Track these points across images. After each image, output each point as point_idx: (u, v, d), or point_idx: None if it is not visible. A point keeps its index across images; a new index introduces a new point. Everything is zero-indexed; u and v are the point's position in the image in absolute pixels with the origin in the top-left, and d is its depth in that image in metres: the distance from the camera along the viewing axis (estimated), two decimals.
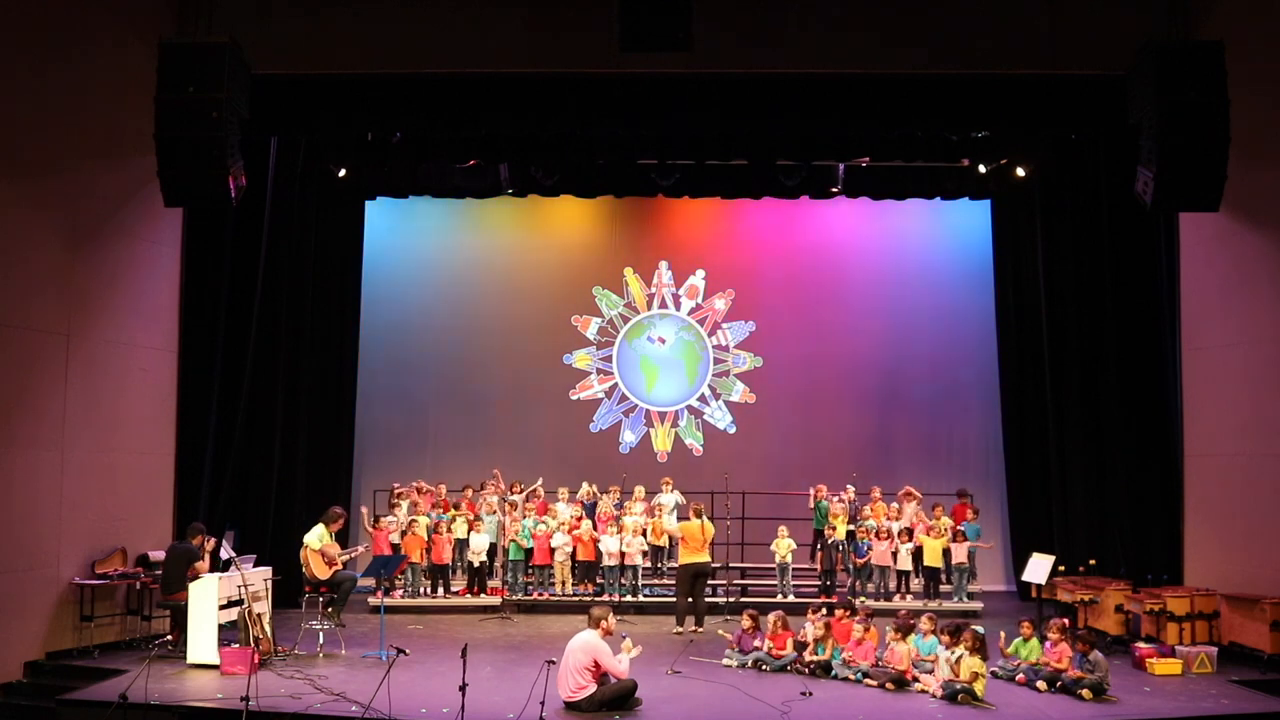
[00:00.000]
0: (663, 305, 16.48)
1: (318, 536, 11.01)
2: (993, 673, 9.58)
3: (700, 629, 11.93)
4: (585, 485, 14.34)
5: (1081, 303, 13.59)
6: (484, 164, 14.32)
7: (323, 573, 10.90)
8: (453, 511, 13.73)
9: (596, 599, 13.12)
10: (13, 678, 10.15)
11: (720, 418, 16.26)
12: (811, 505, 14.05)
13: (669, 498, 14.07)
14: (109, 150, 11.06)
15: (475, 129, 12.49)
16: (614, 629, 9.09)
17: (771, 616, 10.43)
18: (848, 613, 10.62)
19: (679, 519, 13.36)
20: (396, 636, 11.19)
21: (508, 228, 16.32)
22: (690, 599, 12.04)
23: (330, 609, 10.92)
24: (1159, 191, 10.24)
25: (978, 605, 13.26)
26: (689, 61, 10.94)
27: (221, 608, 10.16)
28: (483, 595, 13.55)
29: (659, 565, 13.99)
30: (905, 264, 16.23)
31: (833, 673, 9.88)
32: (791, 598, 13.28)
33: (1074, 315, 13.70)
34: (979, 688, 9.02)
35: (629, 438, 16.23)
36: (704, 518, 12.27)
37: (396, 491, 13.89)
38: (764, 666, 10.20)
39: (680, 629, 11.96)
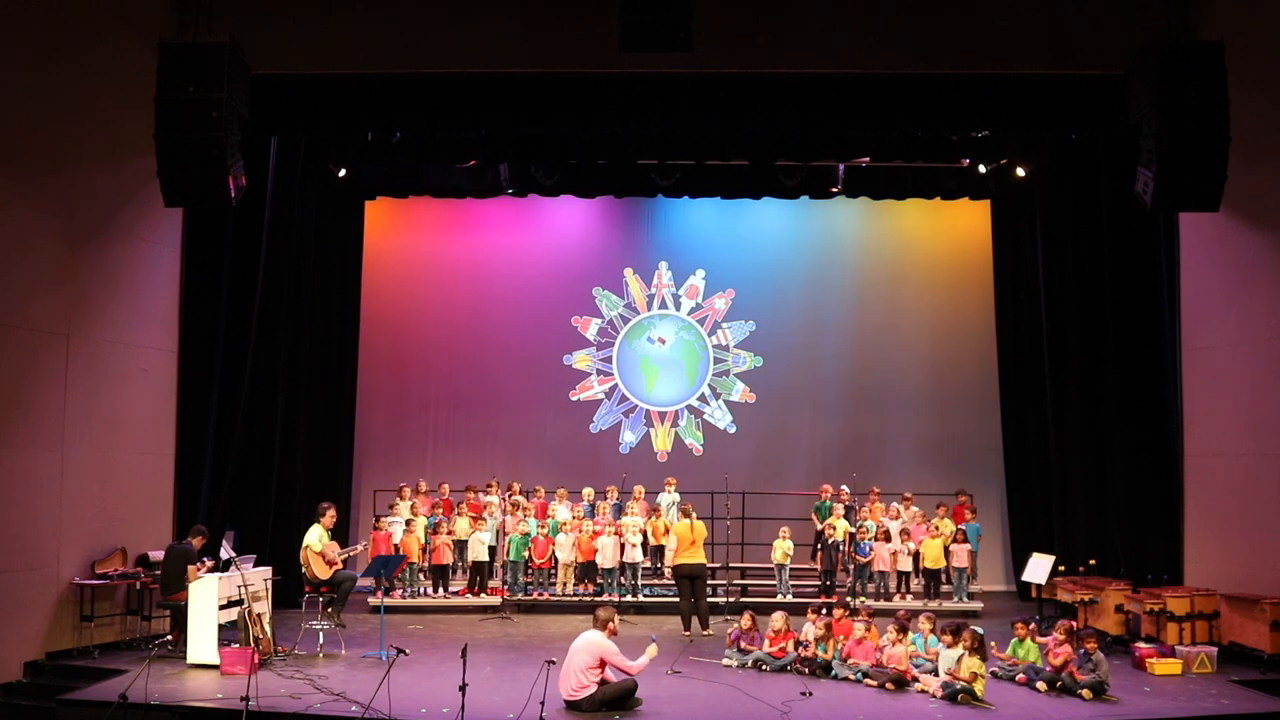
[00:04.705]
0: (663, 305, 16.48)
1: (317, 537, 11.01)
2: (993, 673, 9.59)
3: (708, 631, 11.91)
4: (588, 490, 14.33)
5: (1081, 303, 13.58)
6: (484, 164, 14.30)
7: (324, 573, 10.90)
8: (454, 514, 13.72)
9: (596, 599, 13.14)
10: (13, 678, 10.15)
11: (720, 417, 16.26)
12: (816, 505, 14.06)
13: (668, 498, 14.08)
14: (109, 150, 11.07)
15: (475, 129, 12.49)
16: (619, 630, 9.12)
17: (773, 617, 10.43)
18: (846, 613, 10.62)
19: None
20: (396, 636, 11.19)
21: (508, 228, 16.32)
22: (693, 600, 12.01)
23: (330, 609, 10.92)
24: (1159, 191, 10.23)
25: (978, 605, 13.27)
26: (689, 61, 10.93)
27: (221, 608, 10.16)
28: (483, 595, 13.55)
29: (659, 565, 13.99)
30: (905, 264, 16.23)
31: (833, 673, 9.88)
32: (790, 598, 13.29)
33: (1074, 315, 13.68)
34: (979, 688, 9.02)
35: (629, 438, 16.23)
36: (693, 517, 12.22)
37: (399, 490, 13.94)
38: (764, 666, 10.20)
39: (687, 632, 11.95)
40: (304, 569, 10.99)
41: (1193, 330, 12.03)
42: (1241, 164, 10.22)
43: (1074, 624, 10.02)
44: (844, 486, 14.23)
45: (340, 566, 11.08)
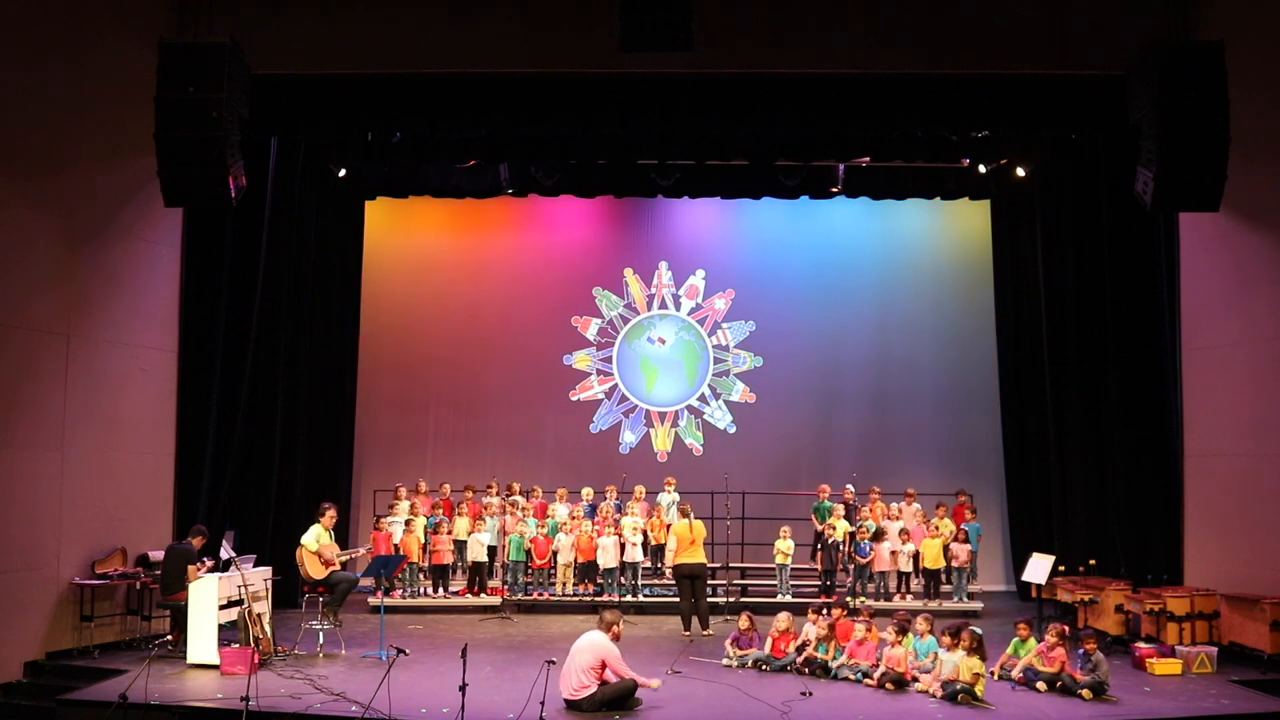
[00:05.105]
0: (663, 306, 16.47)
1: (314, 537, 11.00)
2: (993, 673, 9.58)
3: (708, 631, 11.90)
4: (587, 490, 14.32)
5: (1081, 303, 13.58)
6: (484, 164, 14.29)
7: (318, 573, 10.89)
8: (454, 514, 13.71)
9: (596, 599, 13.14)
10: (13, 678, 10.15)
11: (720, 417, 16.26)
12: (815, 505, 14.05)
13: (667, 497, 14.08)
14: (109, 150, 11.06)
15: (475, 129, 12.49)
16: (622, 634, 9.13)
17: (778, 617, 10.41)
18: (844, 613, 10.62)
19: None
20: (396, 636, 11.19)
21: (508, 228, 16.32)
22: (693, 600, 12.00)
23: (325, 608, 10.90)
24: (1159, 191, 10.23)
25: (978, 605, 13.27)
26: (689, 61, 10.93)
27: (221, 608, 10.16)
28: (483, 595, 13.55)
29: (659, 565, 13.99)
30: (905, 264, 16.22)
31: (833, 673, 9.88)
32: (789, 598, 13.28)
33: (1074, 315, 13.68)
34: (979, 688, 9.02)
35: (629, 438, 16.23)
36: (692, 517, 12.19)
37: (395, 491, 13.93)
38: (764, 666, 10.20)
39: (687, 631, 11.95)
40: (299, 568, 10.99)
41: (1193, 330, 12.02)
42: (1241, 164, 10.21)
43: (1065, 627, 10.03)
44: (848, 485, 14.24)
45: (337, 567, 11.05)
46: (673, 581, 12.70)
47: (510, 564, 13.43)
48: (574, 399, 16.27)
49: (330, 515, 11.23)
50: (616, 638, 8.99)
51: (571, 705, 8.69)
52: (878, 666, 9.73)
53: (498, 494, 14.21)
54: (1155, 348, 12.81)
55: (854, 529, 13.50)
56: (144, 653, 10.28)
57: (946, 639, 9.60)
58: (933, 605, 12.82)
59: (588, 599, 13.30)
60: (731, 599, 13.38)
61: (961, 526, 13.51)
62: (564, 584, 13.64)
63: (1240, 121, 10.04)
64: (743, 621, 10.63)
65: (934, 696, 9.17)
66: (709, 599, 12.43)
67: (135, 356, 11.76)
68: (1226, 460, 11.58)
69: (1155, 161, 10.14)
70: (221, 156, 10.08)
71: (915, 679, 9.57)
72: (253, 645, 9.69)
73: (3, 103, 10.06)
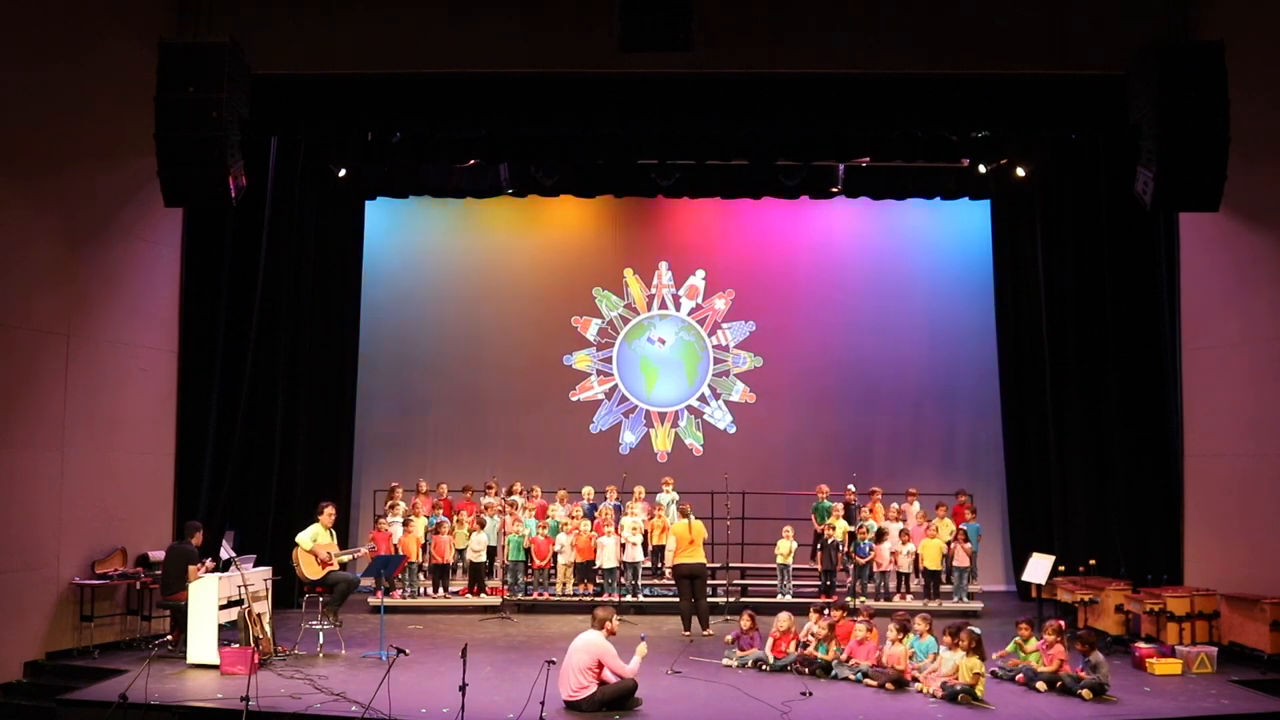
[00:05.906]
0: (663, 306, 16.47)
1: (310, 536, 10.98)
2: (993, 673, 9.59)
3: (708, 631, 11.90)
4: (587, 489, 14.32)
5: (1081, 303, 13.58)
6: (484, 164, 14.30)
7: (314, 573, 10.88)
8: (455, 519, 13.68)
9: (596, 599, 13.14)
10: (13, 678, 10.15)
11: (720, 418, 16.26)
12: (814, 506, 14.05)
13: (666, 497, 14.08)
14: (109, 150, 11.06)
15: (475, 129, 12.50)
16: (617, 630, 9.12)
17: (779, 617, 10.41)
18: (844, 614, 10.62)
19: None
20: (396, 636, 11.19)
21: (508, 228, 16.32)
22: (693, 600, 12.00)
23: (325, 608, 10.89)
24: (1159, 192, 10.23)
25: (978, 605, 13.27)
26: (689, 61, 10.94)
27: (221, 608, 10.16)
28: (483, 595, 13.55)
29: (659, 565, 13.99)
30: (905, 264, 16.22)
31: (833, 673, 9.88)
32: (789, 597, 13.28)
33: (1074, 315, 13.69)
34: (979, 688, 9.02)
35: (629, 438, 16.23)
36: (691, 517, 12.19)
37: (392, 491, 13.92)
38: (764, 666, 10.20)
39: (687, 631, 11.95)
40: (295, 567, 10.98)
41: (1193, 330, 12.02)
42: (1241, 164, 10.22)
43: (1061, 623, 10.03)
44: (850, 486, 14.23)
45: (334, 566, 11.03)
46: (672, 581, 12.69)
47: (510, 564, 13.43)
48: (574, 399, 16.27)
49: (329, 514, 11.22)
50: (611, 634, 8.97)
51: (571, 706, 8.69)
52: (878, 666, 9.73)
53: (497, 494, 14.21)
54: (1155, 348, 12.82)
55: (854, 529, 13.50)
56: (144, 653, 10.28)
57: (946, 639, 9.61)
58: (933, 605, 12.83)
59: (587, 599, 13.29)
60: (731, 599, 13.38)
61: (961, 526, 13.52)
62: (564, 584, 13.64)
63: (1240, 121, 10.04)
64: (744, 621, 10.63)
65: (934, 696, 9.17)
66: (709, 599, 12.42)
67: (135, 356, 11.76)
68: (1226, 460, 11.58)
69: (1155, 161, 10.14)
70: (221, 156, 10.08)
71: (915, 679, 9.57)
72: (253, 645, 9.69)
73: (3, 103, 10.06)
